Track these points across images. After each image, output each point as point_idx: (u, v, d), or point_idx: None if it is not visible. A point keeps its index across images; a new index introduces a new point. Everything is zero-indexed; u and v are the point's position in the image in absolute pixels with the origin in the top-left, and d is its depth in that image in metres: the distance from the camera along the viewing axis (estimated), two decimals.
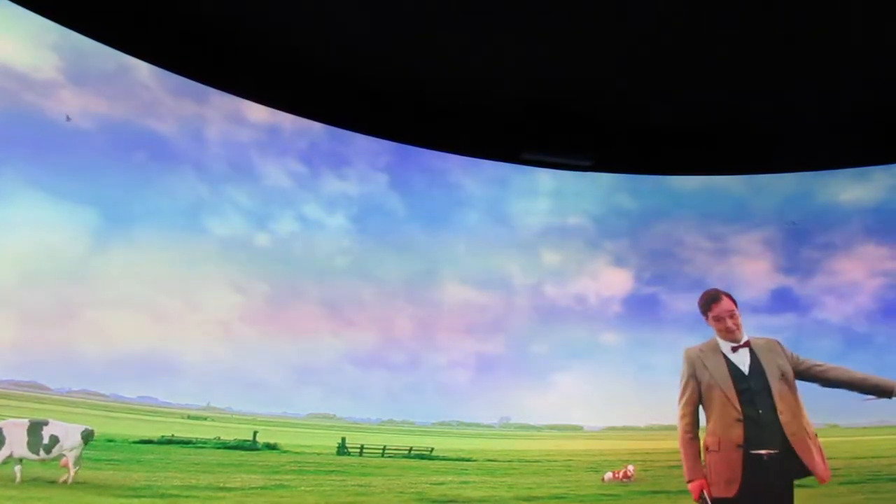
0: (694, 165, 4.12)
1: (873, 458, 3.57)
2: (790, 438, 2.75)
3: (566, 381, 3.83)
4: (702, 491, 2.80)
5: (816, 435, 2.82)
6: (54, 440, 2.68)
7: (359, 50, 3.51)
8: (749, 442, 2.76)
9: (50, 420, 2.68)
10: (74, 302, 2.83)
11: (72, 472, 2.70)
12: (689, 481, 2.84)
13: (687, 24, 3.23)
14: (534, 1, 3.12)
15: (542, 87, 3.79)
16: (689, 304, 3.80)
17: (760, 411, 2.80)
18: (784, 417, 2.77)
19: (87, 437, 2.76)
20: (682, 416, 2.92)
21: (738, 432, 2.77)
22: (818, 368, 2.91)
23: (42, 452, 2.65)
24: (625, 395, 3.81)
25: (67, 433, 2.72)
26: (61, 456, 2.70)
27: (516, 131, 4.00)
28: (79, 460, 2.73)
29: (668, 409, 3.06)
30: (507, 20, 3.25)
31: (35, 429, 2.65)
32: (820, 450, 2.78)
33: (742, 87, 3.73)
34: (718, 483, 2.78)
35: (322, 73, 3.62)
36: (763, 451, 2.74)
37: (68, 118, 2.88)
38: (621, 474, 3.69)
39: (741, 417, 2.79)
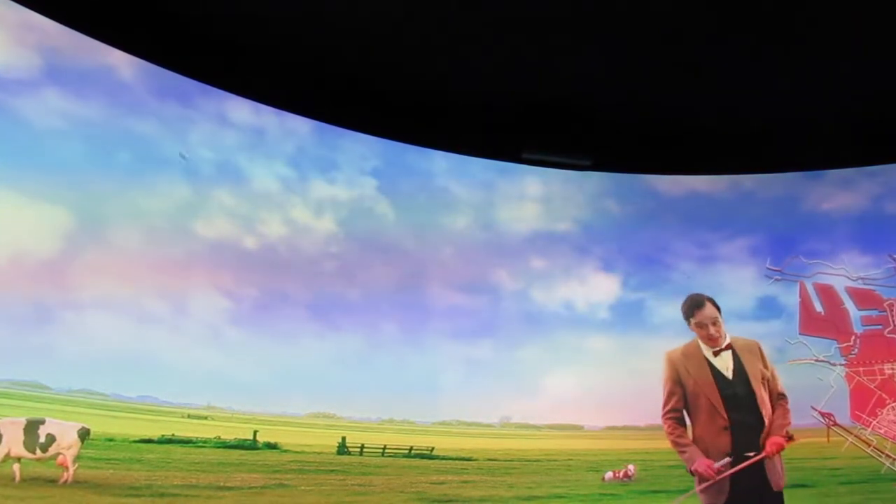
0: (694, 165, 4.13)
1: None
2: (762, 442, 2.75)
3: (554, 385, 3.83)
4: (710, 466, 2.72)
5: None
6: (51, 439, 2.66)
7: (359, 50, 3.51)
8: (736, 449, 2.75)
9: (47, 419, 2.67)
10: (53, 304, 2.81)
11: (71, 471, 2.69)
12: (695, 469, 2.77)
13: (687, 24, 3.24)
14: (535, 1, 3.13)
15: (542, 87, 3.79)
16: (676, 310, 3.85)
17: (745, 417, 2.79)
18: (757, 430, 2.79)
19: (84, 435, 2.74)
20: (667, 421, 2.90)
21: (725, 440, 2.76)
22: (773, 383, 2.91)
23: (39, 451, 2.63)
24: (613, 400, 3.81)
25: (64, 431, 2.70)
26: (58, 454, 2.68)
27: (516, 131, 4.00)
28: (76, 458, 2.71)
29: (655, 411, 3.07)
30: (508, 20, 3.25)
31: (32, 427, 2.64)
32: (780, 457, 2.78)
33: (742, 88, 3.74)
34: (709, 492, 2.75)
35: (323, 72, 3.62)
36: (750, 453, 2.73)
37: (183, 156, 2.90)
38: (622, 474, 3.69)
39: (728, 425, 2.77)
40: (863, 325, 3.84)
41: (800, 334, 3.83)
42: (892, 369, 3.71)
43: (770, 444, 2.77)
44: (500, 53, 3.51)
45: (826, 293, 3.91)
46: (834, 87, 3.70)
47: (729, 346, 2.92)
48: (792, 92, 3.77)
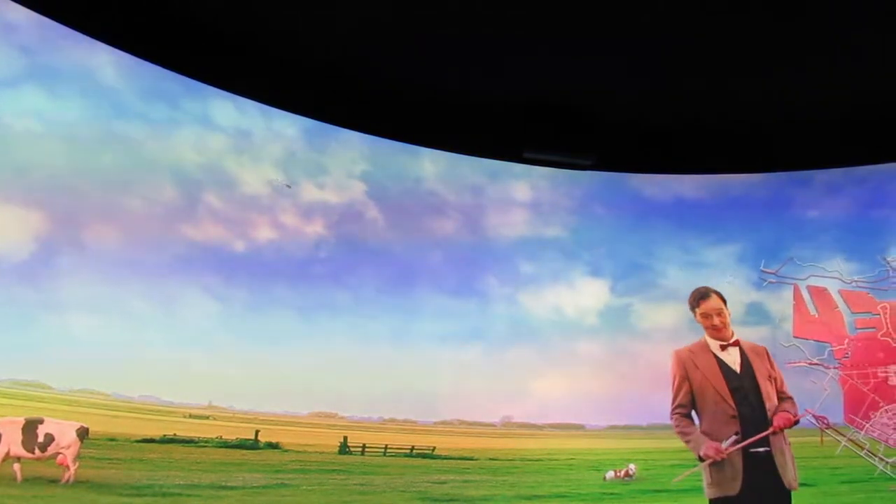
0: (695, 163, 4.15)
1: None
2: (770, 440, 2.76)
3: (543, 388, 3.83)
4: (718, 449, 2.74)
5: (790, 444, 2.83)
6: (49, 438, 2.66)
7: (362, 48, 3.50)
8: (744, 438, 2.75)
9: (45, 418, 2.66)
10: (51, 304, 2.80)
11: (72, 470, 2.68)
12: (704, 453, 2.77)
13: (688, 23, 3.26)
14: (537, 1, 3.14)
15: (543, 85, 3.79)
16: (663, 315, 3.90)
17: (753, 410, 2.81)
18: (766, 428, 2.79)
19: (83, 434, 2.74)
20: (674, 416, 2.91)
21: (734, 429, 2.77)
22: (780, 386, 2.94)
23: (38, 451, 2.63)
24: (601, 404, 3.83)
25: (63, 431, 2.69)
26: (57, 454, 2.67)
27: (517, 130, 3.99)
28: (76, 458, 2.70)
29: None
30: (509, 18, 3.25)
31: (30, 427, 2.63)
32: (792, 457, 2.79)
33: (741, 86, 3.76)
34: (721, 482, 2.74)
35: (325, 72, 3.60)
36: (761, 449, 2.74)
37: (288, 186, 2.88)
38: (623, 473, 3.70)
39: (736, 414, 2.79)
40: (856, 329, 3.84)
41: (794, 337, 3.83)
42: (886, 372, 3.71)
43: (778, 419, 2.80)
44: (501, 53, 3.51)
45: (820, 296, 3.91)
46: (839, 87, 3.73)
47: (736, 343, 2.95)
48: (791, 92, 3.79)
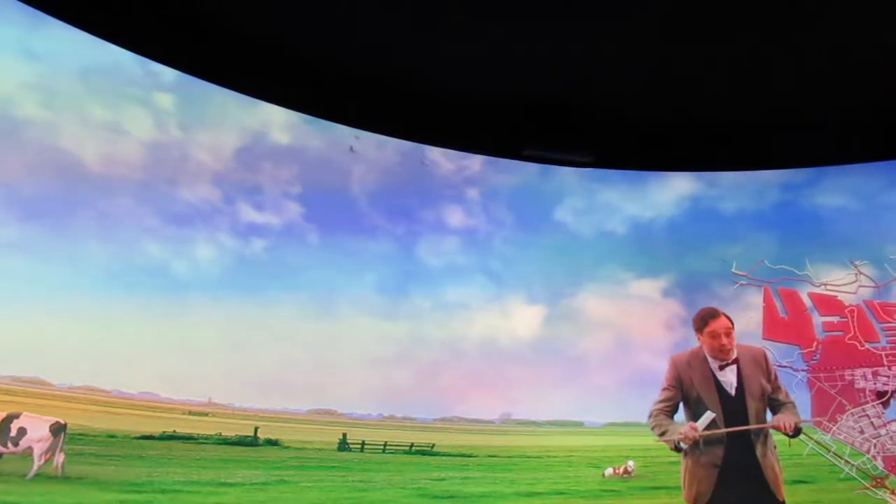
0: (695, 162, 4.16)
1: None
2: (760, 460, 2.78)
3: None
4: (693, 427, 2.78)
5: (776, 446, 2.85)
6: (22, 432, 2.63)
7: (362, 46, 3.50)
8: (728, 461, 2.78)
9: (23, 413, 2.63)
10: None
11: (36, 465, 2.63)
12: (681, 438, 2.80)
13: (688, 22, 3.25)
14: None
15: (542, 84, 3.79)
16: (594, 343, 3.90)
17: (738, 434, 2.81)
18: (754, 437, 2.81)
19: (58, 430, 2.70)
20: (657, 411, 2.92)
21: (719, 453, 2.79)
22: (776, 394, 2.93)
23: (10, 445, 2.60)
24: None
25: (36, 425, 2.66)
26: (30, 448, 2.65)
27: (517, 128, 4.00)
28: (47, 452, 2.66)
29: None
30: (510, 18, 3.25)
31: (6, 422, 2.61)
32: (777, 460, 2.82)
33: (740, 86, 3.76)
34: (689, 491, 2.80)
35: (328, 71, 3.60)
36: (738, 471, 2.77)
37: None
38: (621, 470, 3.71)
39: (724, 439, 2.80)
40: (824, 331, 3.81)
41: (763, 339, 3.79)
42: (853, 375, 3.69)
43: (778, 419, 2.83)
44: (501, 51, 3.51)
45: (790, 298, 3.88)
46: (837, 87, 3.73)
47: (735, 361, 2.91)
48: (790, 89, 3.79)
